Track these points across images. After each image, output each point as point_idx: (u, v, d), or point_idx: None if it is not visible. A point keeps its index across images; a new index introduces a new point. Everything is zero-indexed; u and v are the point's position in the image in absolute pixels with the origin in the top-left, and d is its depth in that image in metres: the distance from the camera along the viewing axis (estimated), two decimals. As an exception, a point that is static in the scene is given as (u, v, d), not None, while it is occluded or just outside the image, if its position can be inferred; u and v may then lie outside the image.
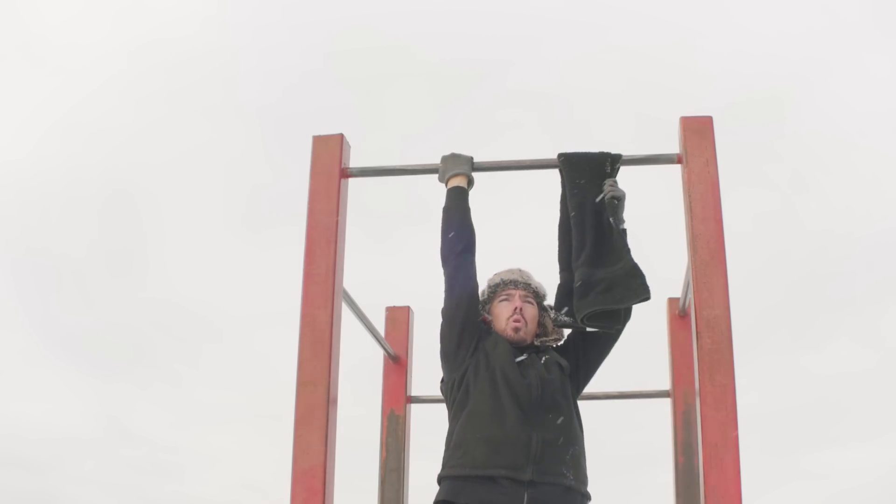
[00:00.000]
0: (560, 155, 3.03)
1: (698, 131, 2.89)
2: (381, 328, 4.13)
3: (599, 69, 8.81)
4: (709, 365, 2.63)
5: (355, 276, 3.14)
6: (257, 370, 8.60)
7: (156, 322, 9.11)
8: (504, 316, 3.00)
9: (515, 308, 2.99)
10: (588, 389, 3.03)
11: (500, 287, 3.06)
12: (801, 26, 8.88)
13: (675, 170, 2.95)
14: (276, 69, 9.08)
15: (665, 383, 4.04)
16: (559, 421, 2.80)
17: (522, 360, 2.89)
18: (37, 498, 8.26)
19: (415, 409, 4.16)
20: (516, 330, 2.96)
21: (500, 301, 3.04)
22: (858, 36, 8.91)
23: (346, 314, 3.11)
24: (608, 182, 2.94)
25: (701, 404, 2.60)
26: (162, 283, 9.22)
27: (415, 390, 4.18)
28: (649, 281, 2.81)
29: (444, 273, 2.99)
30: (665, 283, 4.02)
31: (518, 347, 2.94)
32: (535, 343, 3.02)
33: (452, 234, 2.99)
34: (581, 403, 2.98)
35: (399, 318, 4.22)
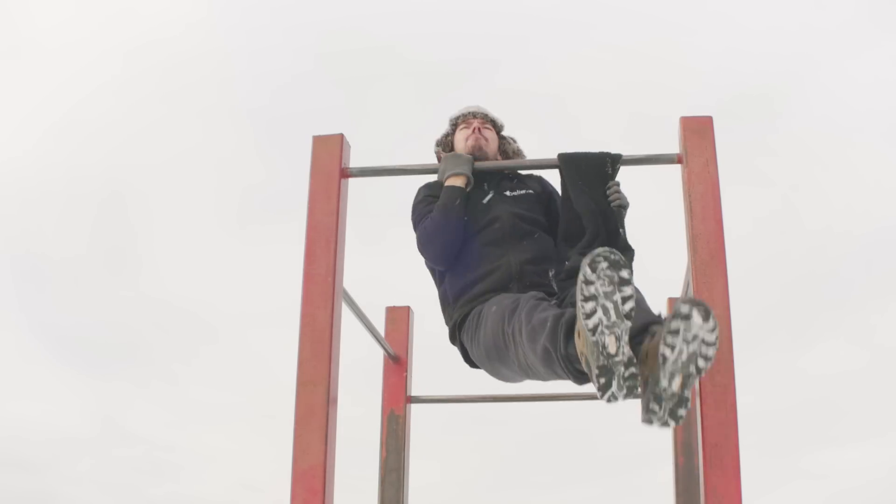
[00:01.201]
0: (560, 155, 3.03)
1: (698, 131, 2.89)
2: (381, 328, 4.13)
3: (588, 67, 8.83)
4: (709, 365, 2.63)
5: (355, 276, 3.14)
6: (253, 369, 8.63)
7: (152, 321, 9.13)
8: (463, 138, 3.30)
9: (474, 128, 3.32)
10: (588, 389, 3.03)
11: (459, 118, 3.39)
12: (794, 23, 8.88)
13: (675, 170, 2.95)
14: (267, 71, 9.17)
15: (665, 383, 4.03)
16: (536, 244, 3.09)
17: (490, 200, 3.17)
18: (33, 497, 8.26)
19: (415, 409, 4.16)
20: (476, 148, 3.25)
21: (461, 129, 3.35)
22: (854, 32, 8.91)
23: (346, 314, 3.11)
24: (613, 187, 2.94)
25: (701, 404, 2.60)
26: (157, 282, 9.24)
27: (415, 390, 4.18)
28: (644, 280, 2.82)
29: (424, 255, 3.17)
30: (665, 283, 4.02)
31: (483, 180, 3.20)
32: (508, 174, 3.30)
33: (447, 236, 3.07)
34: (581, 403, 3.00)
35: (399, 318, 4.23)
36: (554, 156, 3.04)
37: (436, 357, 3.08)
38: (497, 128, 3.43)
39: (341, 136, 3.05)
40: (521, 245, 3.08)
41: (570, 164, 3.00)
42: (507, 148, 3.44)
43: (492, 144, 3.34)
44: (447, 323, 3.16)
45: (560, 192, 3.08)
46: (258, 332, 8.72)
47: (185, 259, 9.22)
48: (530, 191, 3.29)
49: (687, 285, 3.21)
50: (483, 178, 3.25)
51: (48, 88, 9.23)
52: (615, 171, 2.98)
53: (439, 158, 3.43)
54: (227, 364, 8.92)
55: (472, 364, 3.14)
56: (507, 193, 3.24)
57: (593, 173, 2.97)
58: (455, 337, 3.12)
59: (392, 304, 4.26)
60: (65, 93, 9.16)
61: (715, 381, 2.61)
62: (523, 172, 3.45)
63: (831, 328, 8.65)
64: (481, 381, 3.24)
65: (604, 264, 2.25)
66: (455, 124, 3.41)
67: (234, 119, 9.15)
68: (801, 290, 8.67)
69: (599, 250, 2.28)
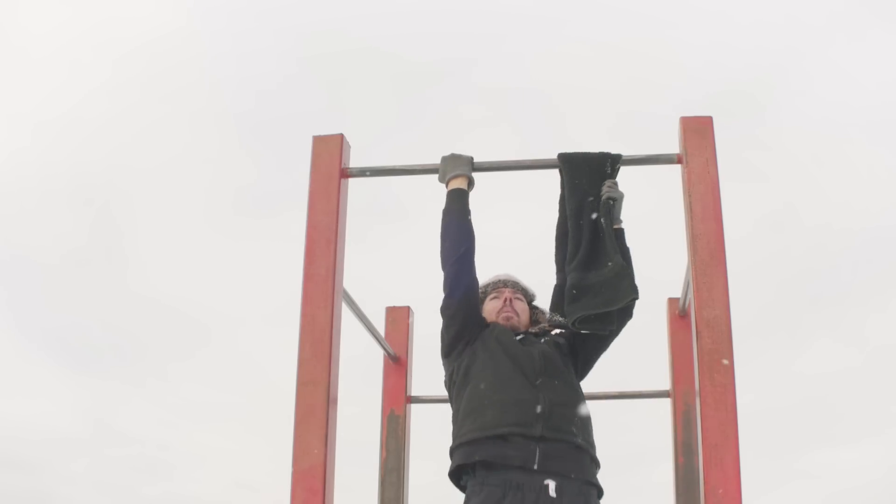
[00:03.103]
0: (560, 155, 3.03)
1: (698, 131, 2.89)
2: (381, 328, 4.13)
3: (572, 64, 8.84)
4: (709, 365, 2.63)
5: (355, 276, 3.14)
6: (246, 369, 8.65)
7: (145, 321, 9.16)
8: (495, 310, 3.14)
9: (506, 299, 3.13)
10: (588, 389, 3.03)
11: (490, 287, 3.21)
12: (781, 16, 8.88)
13: (675, 170, 2.95)
14: (253, 75, 9.25)
15: (665, 383, 4.04)
16: (564, 388, 2.89)
17: (522, 338, 3.03)
18: (29, 497, 8.28)
19: (415, 409, 4.16)
20: (508, 319, 3.10)
21: (491, 299, 3.18)
22: (842, 24, 8.90)
23: (346, 314, 3.11)
24: (607, 183, 2.94)
25: (701, 404, 2.60)
26: (150, 282, 9.28)
27: (415, 390, 4.18)
28: (644, 280, 2.82)
29: (444, 275, 3.03)
30: (665, 283, 4.02)
31: (515, 332, 3.05)
32: (531, 330, 3.14)
33: (452, 237, 3.03)
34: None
35: (399, 318, 4.23)
36: (542, 152, 3.06)
37: (436, 357, 3.07)
38: (528, 297, 3.25)
39: (341, 136, 3.05)
40: (552, 384, 2.88)
41: (570, 163, 3.00)
42: (539, 318, 3.22)
43: (523, 317, 3.16)
44: (450, 455, 2.91)
45: (560, 192, 3.08)
46: (251, 331, 8.77)
47: (177, 260, 9.27)
48: (558, 341, 3.08)
49: (687, 285, 3.21)
50: (516, 332, 3.10)
51: (40, 94, 9.30)
52: (615, 171, 2.97)
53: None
54: (220, 364, 8.96)
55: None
56: (540, 340, 3.07)
57: (593, 173, 2.97)
58: (456, 482, 2.92)
59: (392, 304, 4.26)
60: (57, 97, 9.23)
61: (715, 381, 2.61)
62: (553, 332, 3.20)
63: (825, 327, 8.66)
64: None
65: None
66: (485, 292, 3.21)
67: (221, 122, 9.22)
68: (794, 289, 8.67)
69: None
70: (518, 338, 3.02)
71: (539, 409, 2.78)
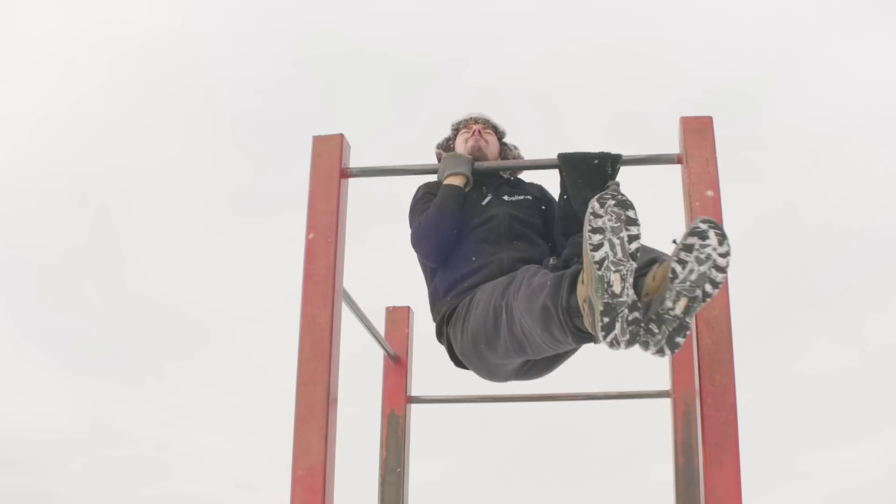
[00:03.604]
0: (560, 155, 3.03)
1: (698, 131, 2.89)
2: (381, 328, 4.13)
3: (569, 63, 8.85)
4: (709, 365, 2.63)
5: (355, 276, 3.14)
6: (245, 368, 8.66)
7: (142, 321, 9.17)
8: (463, 141, 3.33)
9: (474, 131, 3.34)
10: (588, 389, 3.03)
11: (461, 124, 3.41)
12: (777, 14, 8.87)
13: (675, 170, 2.95)
14: (249, 75, 9.29)
15: (665, 383, 4.04)
16: (531, 245, 3.09)
17: (488, 202, 3.16)
18: (27, 497, 8.28)
19: (415, 409, 4.16)
20: (476, 149, 3.27)
21: (461, 134, 3.37)
22: (848, 24, 8.90)
23: (346, 314, 3.11)
24: (612, 186, 2.94)
25: (701, 404, 2.60)
26: (148, 282, 9.29)
27: (415, 390, 4.18)
28: None
29: (419, 249, 3.15)
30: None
31: (483, 184, 3.21)
32: (507, 177, 3.33)
33: (442, 236, 3.08)
34: (581, 403, 3.00)
35: (399, 318, 4.23)
36: (538, 151, 3.08)
37: (436, 357, 3.07)
38: (498, 133, 3.45)
39: (341, 136, 3.05)
40: (515, 245, 3.08)
41: (569, 163, 3.00)
42: (508, 154, 3.45)
43: (492, 147, 3.36)
44: (434, 319, 3.16)
45: (559, 194, 3.08)
46: (249, 331, 8.77)
47: (175, 260, 9.28)
48: (528, 196, 3.30)
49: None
50: (483, 182, 3.26)
51: (37, 96, 9.31)
52: (615, 171, 2.98)
53: (439, 159, 3.44)
54: (218, 363, 8.97)
55: (458, 362, 3.13)
56: (506, 198, 3.25)
57: (593, 173, 2.97)
58: (442, 333, 3.10)
59: (392, 304, 4.26)
60: (55, 99, 9.25)
61: (715, 381, 2.61)
62: (525, 179, 3.47)
63: (824, 327, 8.66)
64: (481, 381, 3.24)
65: (612, 202, 2.25)
66: (457, 129, 3.43)
67: (218, 123, 9.24)
68: (793, 289, 8.67)
69: (608, 189, 2.29)
70: (484, 202, 3.17)
71: (503, 265, 2.98)
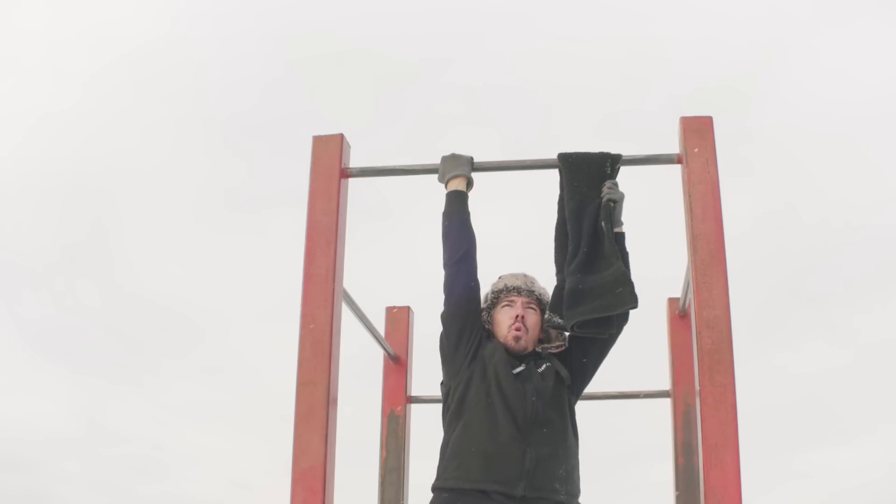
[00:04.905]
0: (560, 155, 3.03)
1: (698, 131, 2.89)
2: (381, 328, 4.13)
3: (557, 61, 8.82)
4: (709, 365, 2.63)
5: (355, 276, 3.14)
6: (240, 367, 8.67)
7: (138, 320, 9.19)
8: (506, 323, 2.98)
9: (517, 316, 2.97)
10: (588, 389, 3.03)
11: (503, 293, 3.05)
12: (767, 8, 8.85)
13: (675, 170, 2.95)
14: (241, 78, 9.30)
15: (665, 383, 4.04)
16: (554, 436, 2.82)
17: (520, 372, 2.88)
18: (24, 497, 8.29)
19: (415, 409, 4.17)
20: (517, 339, 2.95)
21: (503, 307, 3.02)
22: (836, 15, 8.88)
23: (346, 314, 3.11)
24: (607, 184, 2.94)
25: (701, 404, 2.60)
26: (142, 281, 9.30)
27: (415, 390, 4.18)
28: (643, 280, 2.82)
29: (444, 277, 2.99)
30: (665, 283, 4.02)
31: (517, 356, 2.94)
32: (537, 349, 3.02)
33: (452, 240, 3.00)
34: (581, 403, 2.98)
35: (399, 318, 4.23)
36: (528, 149, 3.05)
37: (436, 357, 3.06)
38: (542, 305, 3.03)
39: (341, 136, 3.05)
40: (541, 434, 2.81)
41: (569, 163, 3.00)
42: (549, 335, 3.06)
43: (532, 333, 2.99)
44: (433, 486, 2.88)
45: (559, 192, 3.07)
46: (245, 330, 8.78)
47: (170, 259, 9.29)
48: (559, 370, 2.96)
49: (687, 285, 3.21)
50: (518, 357, 2.94)
51: (33, 100, 9.34)
52: (615, 171, 2.97)
53: (489, 311, 3.09)
54: (214, 362, 8.98)
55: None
56: (540, 368, 2.94)
57: (593, 173, 2.97)
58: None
59: (392, 304, 4.26)
60: (53, 99, 9.26)
61: (715, 381, 2.61)
62: (553, 352, 3.07)
63: (823, 326, 8.66)
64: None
65: None
66: (498, 297, 3.05)
67: (210, 124, 9.25)
68: (791, 287, 8.67)
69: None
70: (516, 371, 2.88)
71: (524, 464, 2.74)
